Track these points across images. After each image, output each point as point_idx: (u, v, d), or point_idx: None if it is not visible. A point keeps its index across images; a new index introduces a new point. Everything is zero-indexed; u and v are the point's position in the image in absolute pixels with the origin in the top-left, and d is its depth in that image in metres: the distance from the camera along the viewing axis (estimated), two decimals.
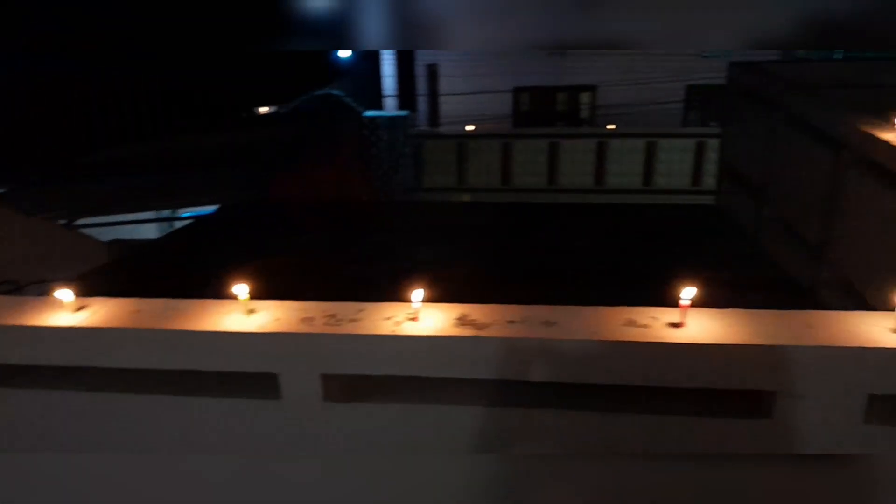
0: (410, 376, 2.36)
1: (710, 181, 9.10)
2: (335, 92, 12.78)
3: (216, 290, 2.59)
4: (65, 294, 2.41)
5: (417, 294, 2.32)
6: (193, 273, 5.00)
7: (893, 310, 2.26)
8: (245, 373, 2.39)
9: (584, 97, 13.36)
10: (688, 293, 2.26)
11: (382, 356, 2.25)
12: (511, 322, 2.30)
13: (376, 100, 13.45)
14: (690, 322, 2.28)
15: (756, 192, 5.54)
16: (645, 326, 2.28)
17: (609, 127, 12.26)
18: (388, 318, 2.33)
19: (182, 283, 4.78)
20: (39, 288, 4.76)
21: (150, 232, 10.43)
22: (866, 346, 2.13)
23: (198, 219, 8.30)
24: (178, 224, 9.91)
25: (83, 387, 2.49)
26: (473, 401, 2.39)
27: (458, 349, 2.23)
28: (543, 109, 13.50)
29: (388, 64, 13.53)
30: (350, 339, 2.22)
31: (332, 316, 2.33)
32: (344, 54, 13.61)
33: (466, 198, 11.24)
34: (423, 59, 13.91)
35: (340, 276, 5.50)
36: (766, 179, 5.35)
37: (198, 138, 9.89)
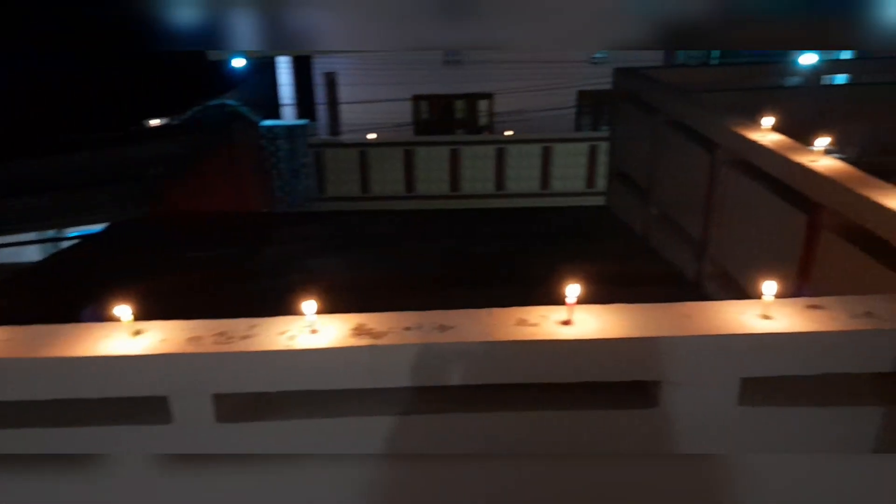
0: (308, 391, 2.34)
1: (602, 183, 9.46)
2: (230, 102, 12.43)
3: (101, 313, 2.47)
4: None
5: (310, 306, 2.29)
6: (78, 296, 4.74)
7: (761, 297, 2.43)
8: (134, 398, 2.29)
9: (482, 104, 13.61)
10: (573, 291, 2.35)
11: (276, 372, 2.21)
12: (407, 329, 2.31)
13: (274, 109, 13.18)
14: (578, 319, 2.37)
15: (642, 191, 5.82)
16: (535, 325, 2.35)
17: (507, 133, 12.54)
18: (282, 333, 2.29)
19: (64, 307, 4.52)
20: None
21: (33, 254, 9.78)
22: (737, 332, 2.28)
23: (85, 238, 7.86)
24: (64, 244, 9.35)
25: None
26: (373, 411, 2.39)
27: (354, 360, 2.22)
28: (443, 117, 13.65)
29: (284, 72, 13.29)
30: (241, 357, 2.17)
31: (223, 334, 2.27)
32: (238, 63, 13.27)
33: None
34: (320, 67, 13.76)
35: (239, 290, 5.36)
36: (651, 179, 5.63)
37: (84, 154, 9.37)
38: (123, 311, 2.24)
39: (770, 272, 3.82)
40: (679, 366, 2.28)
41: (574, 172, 11.56)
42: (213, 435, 2.29)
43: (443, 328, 2.31)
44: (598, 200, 8.40)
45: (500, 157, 11.67)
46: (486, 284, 5.22)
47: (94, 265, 6.11)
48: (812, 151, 3.88)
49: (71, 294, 5.10)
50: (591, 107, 13.19)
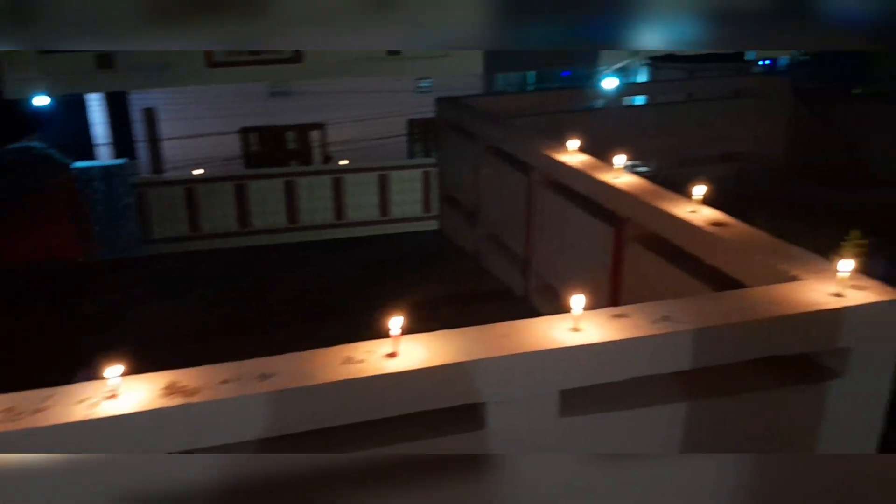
0: None
1: (437, 207, 9.70)
2: (35, 144, 11.36)
3: None
4: None
5: (114, 370, 2.12)
6: None
7: (570, 311, 2.58)
8: None
9: (314, 135, 13.50)
10: (396, 323, 2.36)
11: (74, 446, 2.01)
12: (224, 382, 2.20)
13: (87, 150, 12.24)
14: (403, 350, 2.37)
15: (470, 214, 6.03)
16: (362, 362, 2.33)
17: (342, 163, 12.52)
18: (82, 401, 2.09)
19: None
20: None
21: None
22: (551, 347, 2.39)
23: None
24: None
25: None
26: (193, 475, 2.24)
27: (165, 422, 2.07)
28: (274, 149, 13.37)
29: (97, 111, 12.40)
30: (30, 434, 1.95)
31: (10, 410, 2.03)
32: (41, 102, 12.21)
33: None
34: (138, 103, 12.99)
35: (49, 355, 4.87)
36: (477, 202, 5.84)
37: None
38: None
39: (586, 283, 4.06)
40: (500, 386, 2.36)
41: (410, 198, 11.77)
42: None
43: (263, 377, 2.22)
44: (434, 225, 8.59)
45: (338, 187, 11.61)
46: (324, 318, 5.14)
47: None
48: (614, 169, 4.21)
49: None
50: (422, 134, 13.53)
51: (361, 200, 11.84)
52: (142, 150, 12.89)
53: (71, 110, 12.62)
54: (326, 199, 11.82)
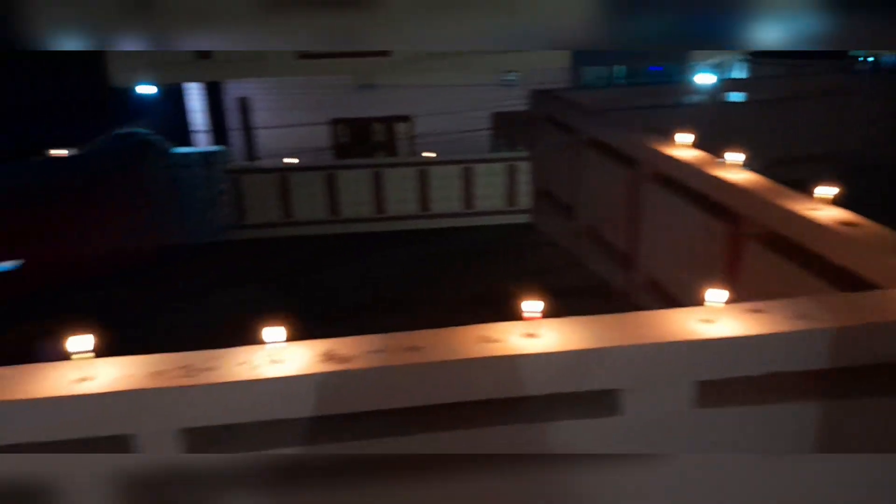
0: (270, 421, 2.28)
1: (524, 200, 9.71)
2: (139, 130, 11.96)
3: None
4: None
5: (276, 332, 2.26)
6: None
7: (703, 304, 2.59)
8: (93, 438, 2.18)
9: (401, 127, 13.71)
10: (533, 306, 2.42)
11: (242, 403, 2.16)
12: (377, 351, 2.31)
13: (184, 136, 12.80)
14: (542, 332, 2.44)
15: (567, 207, 6.02)
16: (498, 341, 2.41)
17: (428, 155, 12.65)
18: (243, 364, 2.23)
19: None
20: None
21: None
22: (692, 338, 2.40)
23: None
24: None
25: None
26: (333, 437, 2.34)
27: (325, 386, 2.20)
28: (362, 140, 13.65)
29: (195, 98, 12.95)
30: (207, 390, 2.11)
31: (185, 367, 2.20)
32: (145, 90, 12.86)
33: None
34: (233, 92, 13.49)
35: (153, 327, 5.13)
36: (575, 196, 5.84)
37: None
38: (82, 343, 2.14)
39: (695, 280, 4.03)
40: (640, 374, 2.39)
41: (494, 192, 11.81)
42: None
43: (413, 349, 2.32)
44: (521, 218, 8.61)
45: (423, 179, 11.77)
46: (413, 309, 5.22)
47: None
48: (728, 165, 4.15)
49: None
50: (505, 128, 13.53)
51: (445, 193, 11.94)
52: (236, 138, 13.38)
53: (171, 99, 13.24)
54: (411, 191, 11.99)
